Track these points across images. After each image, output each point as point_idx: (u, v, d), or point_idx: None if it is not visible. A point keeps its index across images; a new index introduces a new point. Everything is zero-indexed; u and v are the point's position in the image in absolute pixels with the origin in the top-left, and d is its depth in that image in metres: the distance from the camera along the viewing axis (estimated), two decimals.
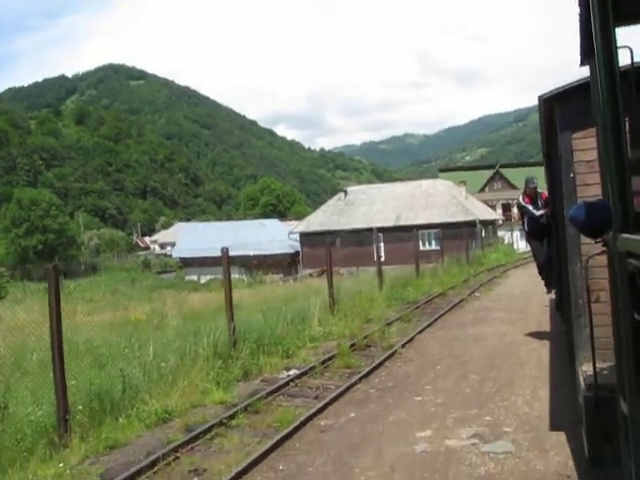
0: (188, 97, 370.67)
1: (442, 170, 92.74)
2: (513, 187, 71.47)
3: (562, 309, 8.63)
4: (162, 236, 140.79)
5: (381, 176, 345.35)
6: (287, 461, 6.24)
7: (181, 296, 29.26)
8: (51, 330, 6.97)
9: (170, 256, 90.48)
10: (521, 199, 11.10)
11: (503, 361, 9.46)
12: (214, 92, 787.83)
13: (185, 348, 9.69)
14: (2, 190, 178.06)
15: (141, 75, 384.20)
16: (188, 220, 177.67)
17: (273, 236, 48.43)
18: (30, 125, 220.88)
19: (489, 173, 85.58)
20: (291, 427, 7.15)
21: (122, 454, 6.71)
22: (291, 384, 9.24)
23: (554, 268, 10.27)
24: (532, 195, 11.00)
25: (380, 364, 10.00)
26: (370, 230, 45.42)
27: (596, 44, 2.54)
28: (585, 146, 5.15)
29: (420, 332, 12.96)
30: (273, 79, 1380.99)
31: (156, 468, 6.09)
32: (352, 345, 11.27)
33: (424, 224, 43.69)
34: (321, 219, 47.89)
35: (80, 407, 7.26)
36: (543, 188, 11.83)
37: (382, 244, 44.22)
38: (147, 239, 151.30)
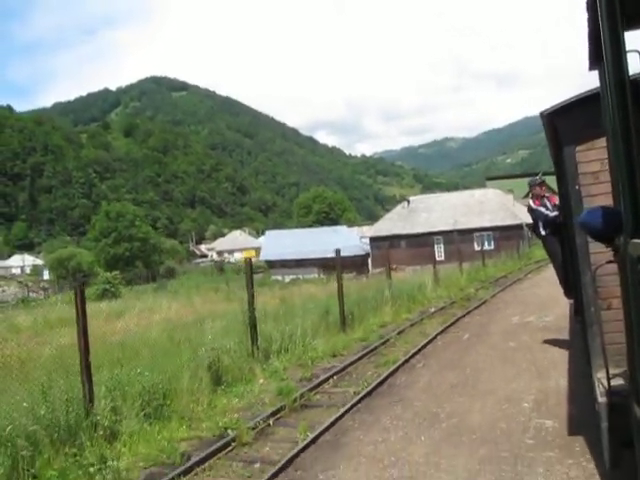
0: (229, 107, 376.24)
1: (489, 178, 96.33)
2: (554, 192, 75.43)
3: (580, 314, 8.42)
4: (219, 244, 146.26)
5: (422, 180, 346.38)
6: (456, 328, 12.61)
7: (288, 290, 34.45)
8: (342, 291, 12.68)
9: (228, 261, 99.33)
10: (531, 203, 10.59)
11: (548, 302, 14.88)
12: (254, 101, 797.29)
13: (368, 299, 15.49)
14: (60, 203, 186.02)
15: (183, 86, 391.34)
16: (237, 228, 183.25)
17: (344, 240, 53.85)
18: (82, 139, 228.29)
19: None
20: (453, 319, 13.99)
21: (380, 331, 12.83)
22: (439, 311, 15.82)
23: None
24: (540, 195, 10.66)
25: (480, 305, 16.55)
26: (431, 234, 50.91)
27: (605, 48, 2.52)
28: (589, 158, 5.14)
29: (497, 293, 19.30)
30: (311, 86, 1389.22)
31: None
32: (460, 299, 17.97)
33: (478, 228, 48.98)
34: (388, 225, 53.27)
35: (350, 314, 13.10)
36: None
37: (442, 245, 49.65)
38: (203, 247, 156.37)
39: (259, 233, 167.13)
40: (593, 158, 5.07)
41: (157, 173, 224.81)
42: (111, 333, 11.87)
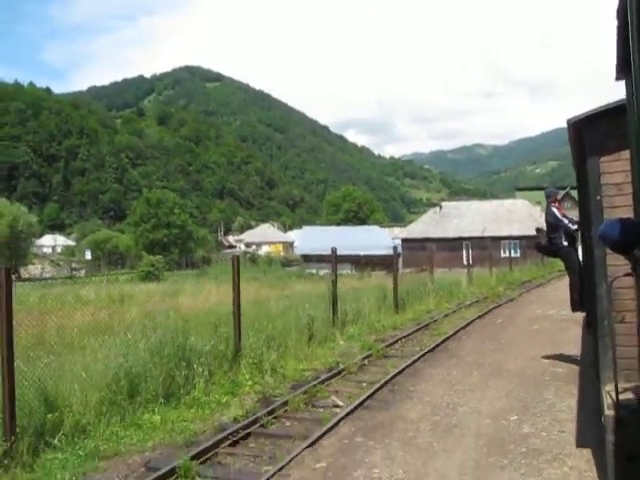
0: (262, 100, 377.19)
1: (519, 189, 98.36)
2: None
3: (592, 327, 8.56)
4: (247, 236, 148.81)
5: (450, 186, 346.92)
6: (490, 315, 15.40)
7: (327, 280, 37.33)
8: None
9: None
10: (556, 211, 10.26)
11: (567, 301, 17.11)
12: (286, 96, 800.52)
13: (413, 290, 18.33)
14: (92, 186, 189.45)
15: (217, 77, 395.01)
16: (262, 222, 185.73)
17: (377, 240, 56.81)
18: (116, 124, 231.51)
19: (560, 193, 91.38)
20: (487, 309, 16.96)
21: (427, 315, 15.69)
22: (474, 303, 18.68)
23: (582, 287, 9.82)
24: (561, 206, 10.62)
25: (508, 301, 19.64)
26: (461, 239, 53.59)
27: (633, 58, 2.48)
28: (613, 169, 5.10)
29: (522, 293, 22.49)
30: (344, 84, 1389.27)
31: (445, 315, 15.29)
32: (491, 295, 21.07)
33: (506, 236, 51.50)
34: (420, 228, 56.05)
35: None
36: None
37: (470, 250, 52.29)
38: (231, 238, 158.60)
39: (286, 228, 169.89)
40: (617, 169, 5.06)
41: (188, 162, 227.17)
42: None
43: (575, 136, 5.92)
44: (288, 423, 6.83)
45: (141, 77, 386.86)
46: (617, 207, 5.02)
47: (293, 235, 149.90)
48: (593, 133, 5.38)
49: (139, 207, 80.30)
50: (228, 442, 6.08)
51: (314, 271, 51.54)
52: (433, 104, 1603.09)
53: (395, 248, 24.45)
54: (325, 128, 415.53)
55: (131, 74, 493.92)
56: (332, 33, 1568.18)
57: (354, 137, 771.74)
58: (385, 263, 55.32)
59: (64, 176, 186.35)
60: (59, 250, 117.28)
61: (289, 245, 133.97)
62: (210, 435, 6.29)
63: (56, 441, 6.02)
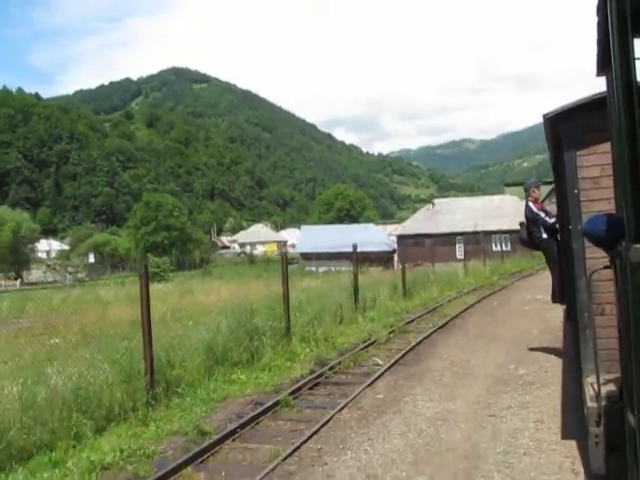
0: (249, 100, 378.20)
1: (508, 185, 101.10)
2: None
3: (572, 319, 8.63)
4: (241, 236, 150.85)
5: (439, 181, 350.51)
6: (487, 300, 17.61)
7: (329, 277, 39.62)
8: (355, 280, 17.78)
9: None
10: (532, 206, 10.33)
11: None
12: (273, 95, 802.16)
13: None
14: (84, 190, 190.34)
15: (204, 79, 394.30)
16: (253, 221, 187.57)
17: (372, 237, 59.21)
18: (105, 128, 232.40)
19: (548, 188, 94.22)
20: (484, 295, 19.59)
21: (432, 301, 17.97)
22: (472, 291, 21.03)
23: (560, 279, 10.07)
24: (537, 198, 10.63)
25: (502, 288, 22.27)
26: (453, 234, 56.18)
27: (613, 54, 2.51)
28: (590, 163, 5.11)
29: (514, 282, 25.25)
30: (330, 83, 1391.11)
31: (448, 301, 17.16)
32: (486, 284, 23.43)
33: (496, 230, 54.10)
34: (414, 224, 58.54)
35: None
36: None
37: (462, 245, 54.86)
38: (224, 238, 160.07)
39: (278, 227, 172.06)
40: (594, 163, 5.07)
41: (178, 164, 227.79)
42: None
43: (551, 131, 6.02)
44: (344, 376, 9.16)
45: (128, 80, 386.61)
46: (594, 200, 5.08)
47: (286, 234, 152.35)
48: (569, 127, 5.46)
49: (139, 210, 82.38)
50: (306, 387, 8.42)
51: (314, 269, 53.98)
52: (421, 100, 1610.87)
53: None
54: (313, 127, 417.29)
55: (118, 77, 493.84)
56: (318, 31, 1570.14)
57: (342, 135, 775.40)
58: (381, 259, 57.97)
59: (55, 181, 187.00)
60: (53, 255, 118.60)
61: (283, 244, 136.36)
62: (290, 384, 8.58)
63: (180, 390, 8.31)
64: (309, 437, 6.25)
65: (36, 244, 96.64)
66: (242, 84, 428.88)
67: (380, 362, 9.76)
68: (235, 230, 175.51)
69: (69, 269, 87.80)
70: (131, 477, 5.50)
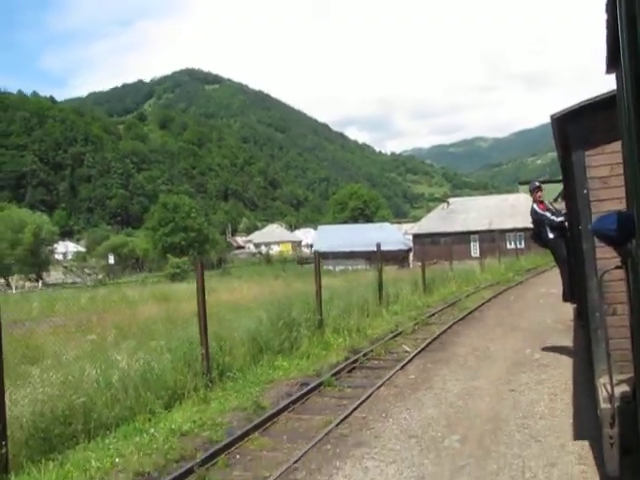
0: (261, 101, 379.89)
1: (521, 183, 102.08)
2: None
3: (583, 319, 8.76)
4: (256, 236, 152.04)
5: (452, 180, 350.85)
6: (503, 294, 18.34)
7: (347, 275, 40.61)
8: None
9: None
10: (536, 207, 10.47)
11: None
12: (286, 96, 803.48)
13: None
14: (99, 192, 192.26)
15: (216, 79, 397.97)
16: (267, 222, 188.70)
17: (388, 236, 60.17)
18: (119, 130, 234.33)
19: (560, 186, 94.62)
20: (500, 290, 20.89)
21: (451, 296, 18.71)
22: (489, 287, 21.99)
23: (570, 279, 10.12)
24: (542, 200, 10.65)
25: (517, 284, 23.49)
26: (468, 233, 57.05)
27: (622, 52, 2.50)
28: (598, 163, 5.12)
29: (529, 278, 26.39)
30: (342, 82, 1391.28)
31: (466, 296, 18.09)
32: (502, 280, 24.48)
33: (511, 228, 54.93)
34: (430, 223, 59.55)
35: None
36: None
37: (477, 243, 55.70)
38: (239, 239, 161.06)
39: (292, 227, 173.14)
40: (602, 163, 5.05)
41: (192, 165, 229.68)
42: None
43: (559, 131, 6.01)
44: (377, 362, 10.17)
45: (140, 82, 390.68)
46: (603, 200, 5.05)
47: (300, 234, 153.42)
48: (577, 128, 5.44)
49: (157, 212, 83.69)
50: (344, 371, 9.43)
51: (331, 267, 54.97)
52: (433, 99, 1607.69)
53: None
54: (325, 126, 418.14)
55: (130, 79, 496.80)
56: (329, 31, 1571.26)
57: (354, 134, 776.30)
58: (397, 258, 58.96)
59: (71, 183, 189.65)
60: (69, 256, 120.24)
61: (297, 244, 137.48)
62: (329, 369, 9.58)
63: (232, 374, 9.35)
64: (354, 409, 7.26)
65: (55, 246, 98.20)
66: (254, 85, 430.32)
67: (408, 349, 10.76)
68: (249, 230, 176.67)
69: (86, 270, 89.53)
70: (207, 441, 6.51)
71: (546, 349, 9.97)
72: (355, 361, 10.01)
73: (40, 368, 8.49)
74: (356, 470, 5.34)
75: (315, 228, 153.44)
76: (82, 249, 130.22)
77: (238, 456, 6.06)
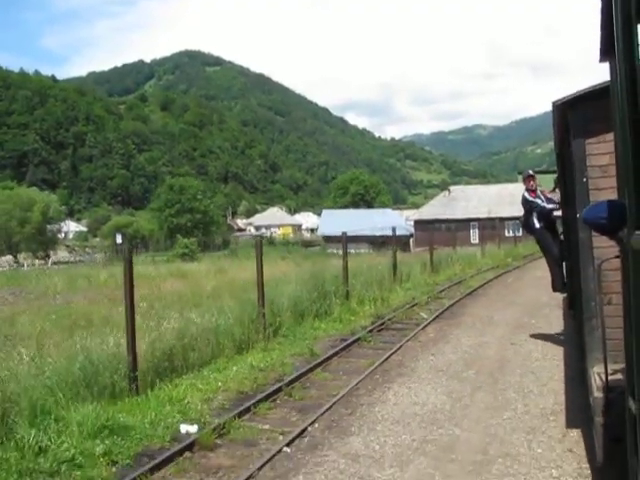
0: (262, 84, 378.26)
1: (520, 172, 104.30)
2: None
3: (574, 308, 8.88)
4: (257, 219, 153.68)
5: (451, 167, 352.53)
6: (503, 276, 20.37)
7: (352, 258, 42.95)
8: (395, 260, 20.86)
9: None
10: (527, 195, 10.64)
11: None
12: (287, 79, 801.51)
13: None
14: (100, 172, 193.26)
15: (217, 61, 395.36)
16: (267, 205, 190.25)
17: (391, 222, 62.27)
18: (121, 111, 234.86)
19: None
20: (500, 272, 22.75)
21: (456, 276, 20.77)
22: (490, 269, 23.59)
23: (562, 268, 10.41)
24: (534, 189, 10.69)
25: (515, 268, 25.02)
26: (468, 220, 59.18)
27: (617, 40, 2.46)
28: (598, 151, 5.10)
29: (526, 263, 27.45)
30: (344, 66, 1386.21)
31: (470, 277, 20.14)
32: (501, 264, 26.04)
33: (509, 217, 57.10)
34: (431, 210, 61.76)
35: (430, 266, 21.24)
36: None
37: (477, 230, 57.75)
38: (239, 221, 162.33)
39: (292, 211, 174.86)
40: (602, 151, 5.00)
41: (193, 147, 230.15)
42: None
43: (560, 118, 5.94)
44: (400, 325, 12.24)
45: (141, 62, 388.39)
46: (602, 189, 5.01)
47: (300, 218, 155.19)
48: (578, 115, 5.41)
49: (163, 193, 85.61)
50: (374, 331, 11.49)
51: (335, 251, 57.05)
52: (434, 85, 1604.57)
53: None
54: (325, 110, 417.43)
55: (131, 59, 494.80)
56: (330, 15, 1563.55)
57: (355, 119, 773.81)
58: (399, 243, 61.28)
59: (72, 163, 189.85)
60: (71, 236, 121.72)
61: (298, 227, 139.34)
62: (361, 329, 11.61)
63: (282, 332, 11.39)
64: (390, 355, 9.34)
65: (62, 224, 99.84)
66: (255, 67, 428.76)
67: (425, 316, 12.84)
68: (249, 213, 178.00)
69: (87, 249, 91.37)
70: (281, 374, 8.55)
71: (541, 317, 12.07)
72: (382, 324, 12.08)
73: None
74: (402, 389, 7.42)
75: (315, 212, 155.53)
76: (84, 229, 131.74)
77: (308, 384, 8.12)
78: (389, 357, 9.21)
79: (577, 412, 5.99)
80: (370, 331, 11.34)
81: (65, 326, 12.60)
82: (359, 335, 10.83)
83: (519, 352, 9.08)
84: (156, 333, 9.21)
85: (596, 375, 4.71)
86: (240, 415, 6.67)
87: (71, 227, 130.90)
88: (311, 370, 8.66)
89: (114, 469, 5.39)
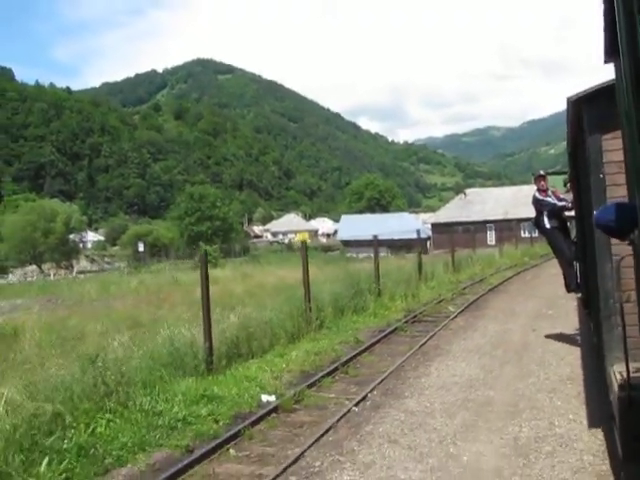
0: (274, 91, 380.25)
1: (534, 175, 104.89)
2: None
3: (590, 307, 8.79)
4: (273, 225, 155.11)
5: (464, 169, 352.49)
6: (522, 274, 21.92)
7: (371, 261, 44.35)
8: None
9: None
10: (537, 194, 10.66)
11: None
12: (298, 85, 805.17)
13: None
14: (116, 182, 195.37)
15: (228, 69, 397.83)
16: (282, 211, 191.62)
17: (407, 225, 63.63)
18: (135, 121, 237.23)
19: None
20: (518, 271, 24.31)
21: (477, 275, 22.15)
22: (509, 268, 24.75)
23: (575, 268, 10.37)
24: (545, 189, 10.71)
25: (532, 267, 26.47)
26: (484, 222, 60.35)
27: (620, 40, 2.43)
28: (615, 147, 5.02)
29: (542, 263, 28.17)
30: (354, 70, 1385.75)
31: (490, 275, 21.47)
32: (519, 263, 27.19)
33: (525, 218, 58.30)
34: (447, 213, 63.10)
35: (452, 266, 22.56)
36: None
37: (493, 232, 58.96)
38: (256, 228, 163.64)
39: (306, 216, 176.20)
40: (619, 147, 4.82)
41: (207, 155, 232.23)
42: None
43: (574, 114, 5.87)
44: (430, 317, 13.61)
45: (154, 71, 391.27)
46: (619, 185, 4.93)
47: (316, 223, 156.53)
48: (594, 111, 5.33)
49: (183, 202, 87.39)
50: (408, 322, 12.87)
51: (354, 255, 58.43)
52: (445, 88, 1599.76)
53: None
54: (338, 116, 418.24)
55: (143, 69, 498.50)
56: (340, 20, 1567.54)
57: (367, 124, 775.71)
58: (417, 246, 62.71)
59: (88, 173, 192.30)
60: (89, 245, 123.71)
61: (314, 233, 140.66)
62: (395, 322, 12.97)
63: (326, 324, 12.78)
64: (427, 340, 10.72)
65: (84, 234, 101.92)
66: (267, 74, 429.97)
67: (452, 309, 14.22)
68: (265, 220, 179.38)
69: (106, 259, 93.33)
70: (334, 357, 9.93)
71: (558, 308, 13.38)
72: (414, 317, 13.46)
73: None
74: (442, 365, 8.81)
75: (330, 217, 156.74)
76: (101, 238, 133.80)
77: (359, 364, 9.51)
78: (426, 342, 10.58)
79: (591, 379, 7.30)
80: (405, 322, 12.71)
81: (124, 326, 14.06)
82: (395, 326, 12.22)
83: (539, 336, 10.42)
84: (223, 325, 10.62)
85: (617, 374, 4.67)
86: (309, 387, 8.07)
87: (89, 237, 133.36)
88: (359, 354, 10.05)
89: (218, 425, 6.80)
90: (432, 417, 6.51)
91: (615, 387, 4.47)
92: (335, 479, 5.12)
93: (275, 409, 7.26)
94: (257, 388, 8.08)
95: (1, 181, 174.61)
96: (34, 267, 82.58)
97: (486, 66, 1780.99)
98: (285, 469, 5.41)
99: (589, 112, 5.52)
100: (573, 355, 8.80)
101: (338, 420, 6.65)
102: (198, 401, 7.39)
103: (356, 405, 7.18)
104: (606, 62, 3.68)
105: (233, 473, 5.53)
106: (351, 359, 9.67)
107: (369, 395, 7.59)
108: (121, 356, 8.61)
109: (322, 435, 6.21)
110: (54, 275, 73.12)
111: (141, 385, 7.67)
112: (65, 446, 5.83)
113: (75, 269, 79.57)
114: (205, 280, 9.52)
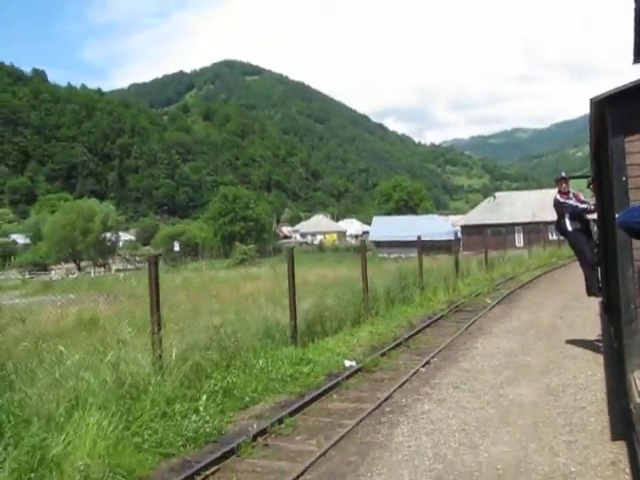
0: (302, 92, 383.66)
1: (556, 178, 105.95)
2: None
3: (611, 312, 8.72)
4: (302, 226, 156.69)
5: (491, 171, 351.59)
6: (550, 273, 23.82)
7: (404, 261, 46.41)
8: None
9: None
10: (558, 197, 10.50)
11: None
12: (325, 87, 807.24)
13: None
14: (146, 183, 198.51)
15: (256, 71, 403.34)
16: (309, 212, 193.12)
17: (438, 227, 65.57)
18: (164, 121, 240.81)
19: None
20: (546, 270, 26.78)
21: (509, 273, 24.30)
22: (537, 267, 26.75)
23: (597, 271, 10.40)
24: (567, 191, 10.53)
25: (560, 267, 28.31)
26: (513, 224, 62.04)
27: None
28: (638, 149, 5.02)
29: (569, 263, 28.59)
30: (381, 72, 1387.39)
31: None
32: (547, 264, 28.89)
33: (552, 221, 59.75)
34: (477, 215, 65.08)
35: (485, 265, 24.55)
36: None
37: (522, 234, 60.55)
38: (284, 229, 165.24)
39: (335, 217, 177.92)
40: None
41: (235, 156, 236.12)
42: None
43: (597, 116, 5.77)
44: (470, 308, 15.69)
45: (181, 73, 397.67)
46: None
47: (344, 224, 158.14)
48: (617, 112, 5.25)
49: (217, 202, 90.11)
50: (451, 312, 14.95)
51: (386, 255, 60.46)
52: (472, 89, 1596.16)
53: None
54: (365, 117, 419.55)
55: (171, 70, 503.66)
56: (367, 21, 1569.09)
57: (394, 125, 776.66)
58: (446, 247, 64.45)
59: (119, 174, 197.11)
60: (120, 245, 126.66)
61: (342, 234, 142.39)
62: (440, 311, 15.04)
63: (381, 313, 14.89)
64: (470, 325, 12.82)
65: (120, 234, 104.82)
66: (294, 75, 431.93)
67: (489, 301, 16.29)
68: (293, 221, 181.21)
69: (137, 259, 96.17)
70: (394, 336, 12.05)
71: (583, 302, 15.29)
72: (456, 307, 15.56)
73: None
74: (486, 341, 10.92)
75: (358, 218, 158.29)
76: (132, 237, 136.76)
77: (417, 341, 11.63)
78: (469, 326, 12.69)
79: (608, 351, 9.29)
80: (449, 311, 14.81)
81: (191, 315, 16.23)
82: (441, 314, 14.34)
83: (566, 322, 12.49)
84: (301, 308, 12.81)
85: (637, 380, 4.61)
86: (381, 356, 10.21)
87: (121, 237, 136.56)
88: (415, 334, 12.16)
89: (318, 380, 8.95)
90: (483, 373, 8.63)
91: (635, 395, 4.38)
92: (419, 408, 7.25)
93: (359, 370, 9.40)
94: (339, 356, 10.22)
95: (35, 181, 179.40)
96: (72, 265, 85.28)
97: (511, 67, 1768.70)
98: (380, 405, 7.55)
99: (612, 113, 5.44)
100: (594, 335, 10.83)
101: (411, 376, 8.79)
102: (299, 363, 9.55)
103: (423, 367, 9.31)
104: (635, 62, 3.73)
105: (341, 408, 7.68)
106: (409, 337, 11.78)
107: (431, 361, 9.72)
108: (232, 330, 10.82)
109: (401, 385, 8.36)
110: (95, 273, 75.86)
111: (252, 351, 9.86)
112: (214, 388, 8.03)
113: (114, 268, 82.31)
114: (291, 270, 11.67)
